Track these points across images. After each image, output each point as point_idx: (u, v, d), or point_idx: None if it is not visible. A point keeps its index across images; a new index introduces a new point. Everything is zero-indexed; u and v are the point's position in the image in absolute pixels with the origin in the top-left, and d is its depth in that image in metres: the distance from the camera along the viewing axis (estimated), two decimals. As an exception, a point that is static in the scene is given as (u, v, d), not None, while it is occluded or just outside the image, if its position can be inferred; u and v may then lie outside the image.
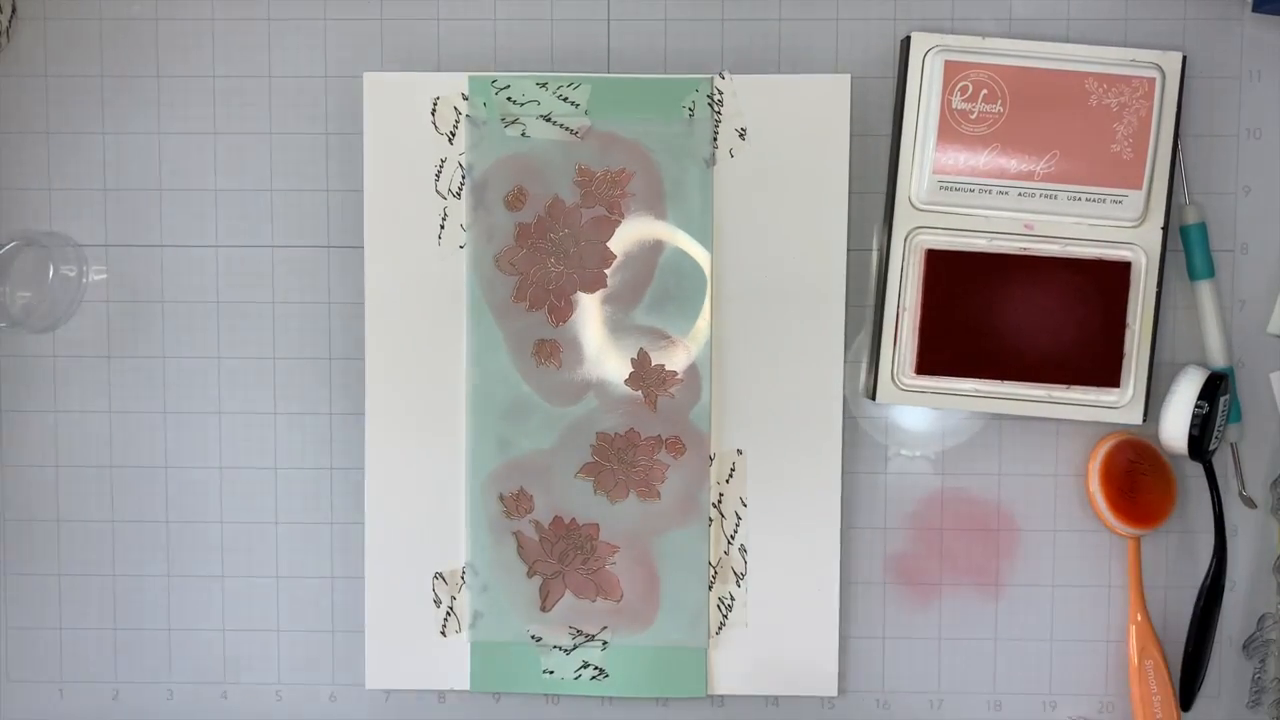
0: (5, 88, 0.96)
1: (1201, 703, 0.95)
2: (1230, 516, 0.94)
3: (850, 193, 0.94)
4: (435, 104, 0.94)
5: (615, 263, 0.94)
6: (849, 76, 0.93)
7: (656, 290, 0.94)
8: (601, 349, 0.95)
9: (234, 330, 0.96)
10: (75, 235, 0.96)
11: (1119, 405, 0.92)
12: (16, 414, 0.97)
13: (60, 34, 0.96)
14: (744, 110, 0.94)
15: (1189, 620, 0.94)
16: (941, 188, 0.91)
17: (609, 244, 0.94)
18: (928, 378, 0.92)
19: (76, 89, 0.96)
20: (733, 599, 0.95)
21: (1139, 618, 0.94)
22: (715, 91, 0.94)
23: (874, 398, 0.93)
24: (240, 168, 0.96)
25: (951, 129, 0.91)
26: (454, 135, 0.94)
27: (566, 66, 0.95)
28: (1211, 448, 0.91)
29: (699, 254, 0.94)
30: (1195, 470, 0.94)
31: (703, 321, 0.94)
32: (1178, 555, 0.95)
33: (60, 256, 0.95)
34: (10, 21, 0.95)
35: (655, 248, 0.94)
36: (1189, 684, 0.94)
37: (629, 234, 0.94)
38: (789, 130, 0.94)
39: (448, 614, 0.96)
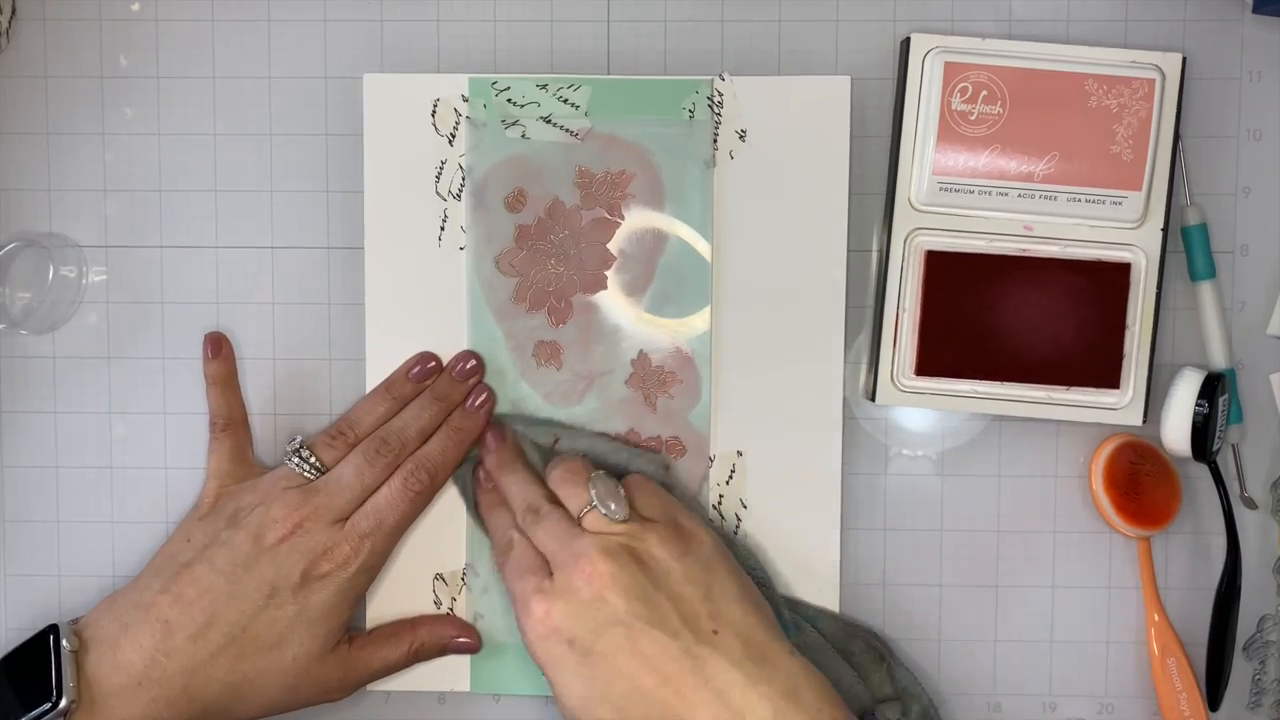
0: (5, 88, 0.96)
1: (1201, 704, 0.95)
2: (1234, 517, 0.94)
3: (850, 194, 0.94)
4: (435, 105, 0.94)
5: (615, 264, 0.94)
6: (849, 79, 0.94)
7: (657, 291, 0.94)
8: (601, 350, 0.95)
9: (234, 331, 0.96)
10: (75, 235, 0.96)
11: (1119, 406, 0.92)
12: (16, 414, 0.97)
13: (60, 34, 0.96)
14: (744, 112, 0.94)
15: (1198, 621, 0.95)
16: (941, 189, 0.91)
17: (609, 245, 0.94)
18: (927, 379, 0.92)
19: (76, 89, 0.96)
20: (733, 600, 0.95)
21: (1156, 617, 0.94)
22: (715, 93, 0.94)
23: (874, 399, 0.93)
24: (240, 168, 0.96)
25: (951, 130, 0.90)
26: (454, 137, 0.94)
27: (566, 68, 0.95)
28: (1215, 448, 0.91)
29: (699, 255, 0.94)
30: (1199, 472, 0.94)
31: (703, 323, 0.94)
32: (1182, 556, 0.95)
33: (60, 257, 0.95)
34: (10, 21, 0.95)
35: (655, 249, 0.94)
36: (1214, 684, 0.94)
37: (629, 235, 0.94)
38: (789, 132, 0.94)
39: (447, 615, 0.96)
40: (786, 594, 0.95)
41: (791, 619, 0.93)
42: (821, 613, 0.95)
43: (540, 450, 0.94)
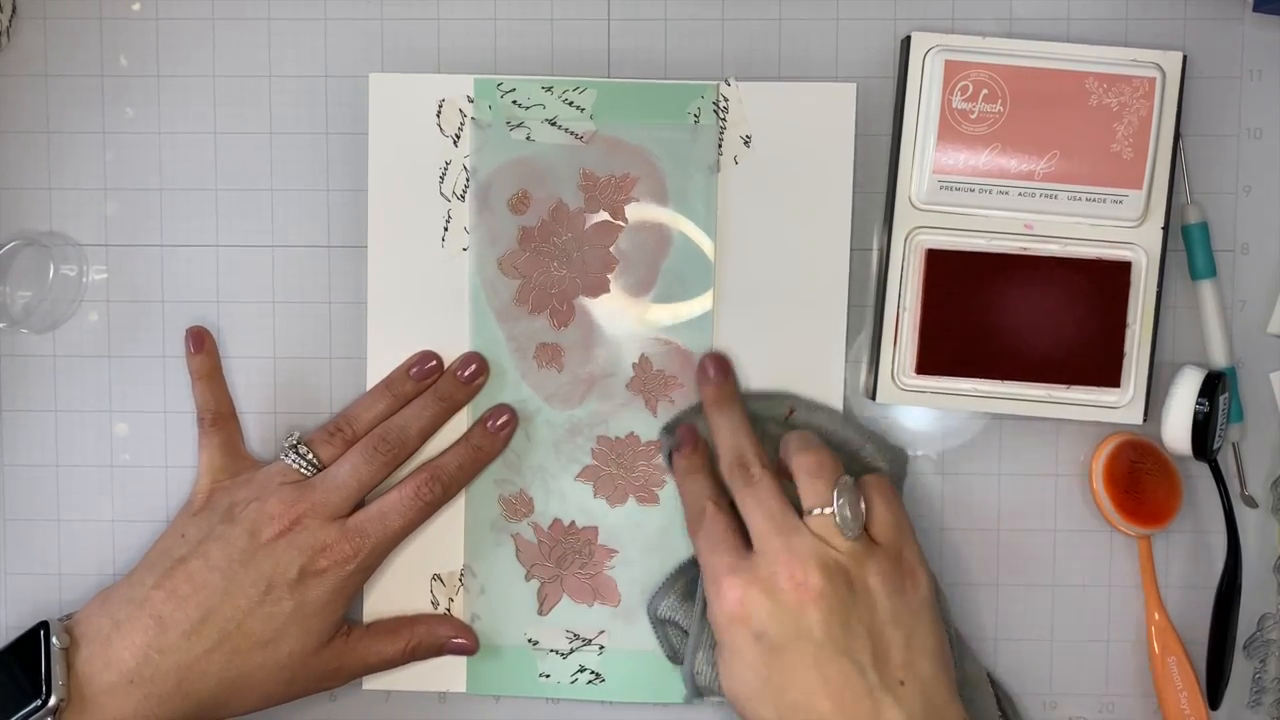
0: (5, 88, 0.96)
1: (1202, 702, 0.96)
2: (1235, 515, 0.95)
3: (853, 194, 0.94)
4: (440, 106, 0.94)
5: (618, 267, 0.94)
6: (855, 86, 0.94)
7: (659, 295, 0.94)
8: (603, 353, 0.95)
9: (234, 330, 0.96)
10: (75, 234, 0.96)
11: (1119, 405, 0.92)
12: (16, 414, 0.96)
13: (60, 34, 0.96)
14: (749, 117, 0.94)
15: (1198, 619, 0.95)
16: (941, 187, 0.91)
17: (612, 249, 0.94)
18: (928, 378, 0.93)
19: (76, 89, 0.96)
20: (733, 601, 0.95)
21: (1157, 616, 0.95)
22: (721, 98, 0.94)
23: (874, 398, 0.93)
24: (241, 167, 0.96)
25: (951, 129, 0.91)
26: (459, 137, 0.94)
27: (566, 67, 0.95)
28: (1215, 447, 0.92)
29: (702, 260, 0.94)
30: (1199, 470, 0.95)
31: (705, 326, 0.94)
32: (1182, 555, 0.96)
33: (60, 256, 0.95)
34: (10, 21, 0.95)
35: (658, 253, 0.94)
36: (1214, 682, 0.94)
37: (632, 239, 0.94)
38: (794, 138, 0.94)
39: (446, 616, 0.95)
40: None
41: (959, 651, 0.93)
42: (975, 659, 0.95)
43: (773, 423, 0.93)
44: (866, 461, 0.93)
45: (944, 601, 0.93)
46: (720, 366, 0.93)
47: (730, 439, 0.90)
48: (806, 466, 0.86)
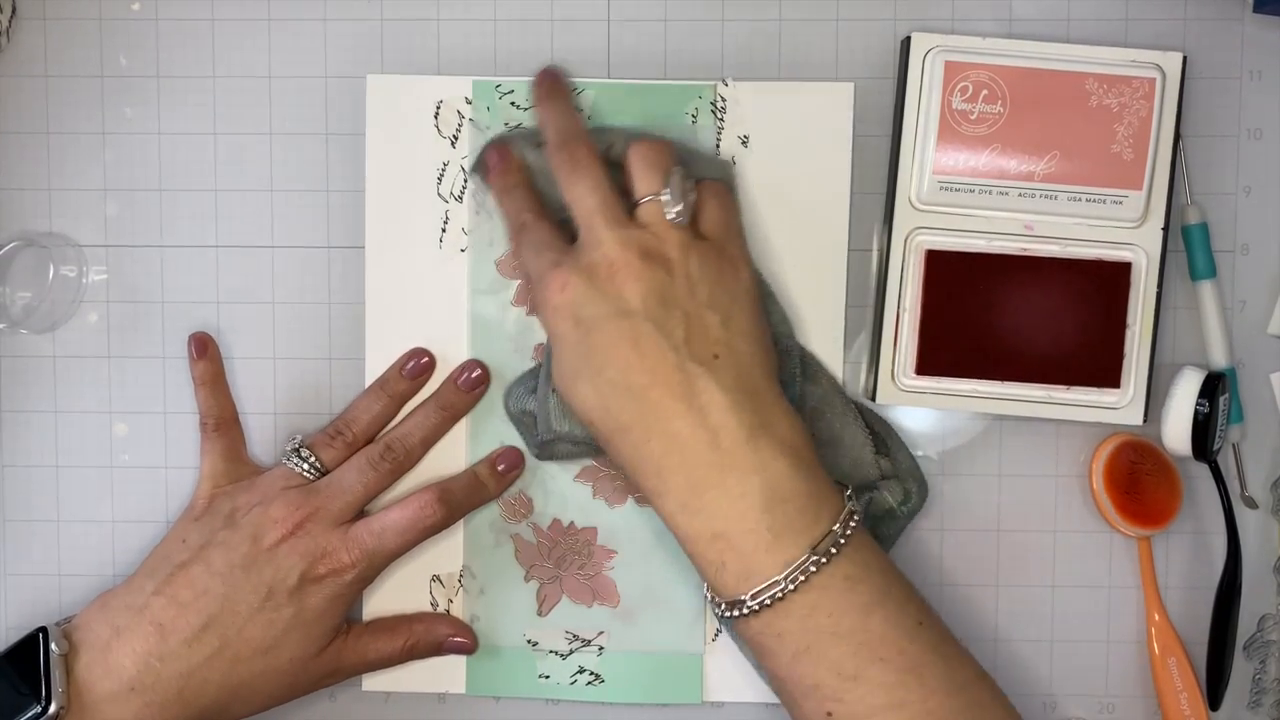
0: (5, 87, 0.96)
1: (1203, 703, 0.96)
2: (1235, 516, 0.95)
3: (851, 194, 0.94)
4: (438, 107, 0.94)
5: (616, 267, 0.94)
6: (852, 85, 0.94)
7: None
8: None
9: (234, 331, 0.96)
10: (75, 235, 0.96)
11: (1119, 406, 0.92)
12: (16, 414, 0.97)
13: (60, 34, 0.96)
14: (747, 118, 0.94)
15: (1198, 620, 0.95)
16: (941, 188, 0.91)
17: (610, 248, 0.94)
18: (928, 378, 0.92)
19: (76, 89, 0.96)
20: (733, 601, 0.95)
21: (1157, 617, 0.95)
22: (718, 99, 0.94)
23: (874, 398, 0.93)
24: (240, 168, 0.96)
25: (951, 129, 0.91)
26: (457, 139, 0.94)
27: (566, 68, 0.95)
28: (1215, 448, 0.91)
29: (700, 256, 0.94)
30: (1199, 471, 0.94)
31: (703, 324, 0.94)
32: (1182, 556, 0.96)
33: (60, 256, 0.95)
34: (10, 21, 0.95)
35: (656, 250, 0.94)
36: (1214, 683, 0.94)
37: (630, 237, 0.94)
38: (792, 138, 0.94)
39: (445, 615, 0.95)
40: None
41: (811, 369, 0.93)
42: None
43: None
44: (698, 173, 0.92)
45: (778, 307, 0.94)
46: (547, 73, 0.93)
47: (558, 121, 0.90)
48: (641, 154, 0.87)
